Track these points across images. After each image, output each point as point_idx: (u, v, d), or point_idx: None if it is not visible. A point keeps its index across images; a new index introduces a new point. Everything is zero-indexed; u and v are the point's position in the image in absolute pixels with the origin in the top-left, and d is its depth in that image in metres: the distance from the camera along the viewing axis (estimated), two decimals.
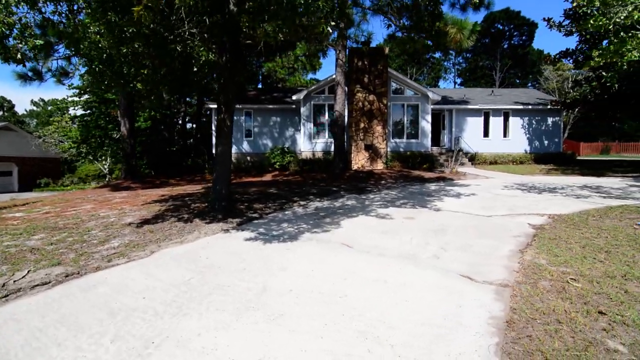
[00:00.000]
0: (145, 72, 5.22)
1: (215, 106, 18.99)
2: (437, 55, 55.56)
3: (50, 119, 32.31)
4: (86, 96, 18.35)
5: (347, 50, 14.51)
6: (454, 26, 9.61)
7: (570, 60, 16.43)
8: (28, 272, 4.08)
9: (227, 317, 3.01)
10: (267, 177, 15.75)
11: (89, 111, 18.58)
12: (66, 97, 19.70)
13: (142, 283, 3.78)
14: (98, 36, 4.86)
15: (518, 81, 47.27)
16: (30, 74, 10.29)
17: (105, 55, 4.93)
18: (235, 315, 3.03)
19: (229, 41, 6.03)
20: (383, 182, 11.83)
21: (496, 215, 6.30)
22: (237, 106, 18.90)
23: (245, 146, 19.46)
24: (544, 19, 15.87)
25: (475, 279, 3.63)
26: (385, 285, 3.58)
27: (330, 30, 4.38)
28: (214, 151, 19.32)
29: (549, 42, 71.57)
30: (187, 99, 22.97)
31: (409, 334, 2.67)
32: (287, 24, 4.23)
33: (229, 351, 2.50)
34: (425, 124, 17.28)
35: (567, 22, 15.41)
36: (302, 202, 8.03)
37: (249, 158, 19.54)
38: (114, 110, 19.40)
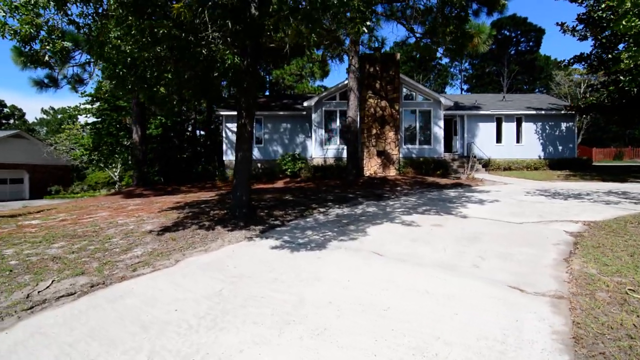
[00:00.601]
0: (169, 76, 5.12)
1: (226, 113, 19.04)
2: (444, 61, 55.69)
3: (62, 126, 32.65)
4: (97, 104, 18.47)
5: (359, 56, 14.42)
6: (472, 30, 9.49)
7: (584, 65, 16.20)
8: (52, 282, 3.93)
9: (267, 331, 2.81)
10: (279, 184, 15.59)
11: (100, 119, 18.67)
12: (79, 105, 19.82)
13: (171, 294, 3.60)
14: (119, 40, 4.77)
15: (526, 87, 46.96)
16: (46, 80, 10.29)
17: (129, 59, 4.84)
18: (276, 329, 2.84)
19: (251, 45, 5.94)
20: (399, 188, 11.61)
21: (527, 222, 6.06)
22: None
23: (256, 153, 19.35)
24: (557, 23, 15.71)
25: (525, 290, 3.41)
26: (428, 296, 3.37)
27: (366, 30, 4.24)
28: (224, 158, 19.34)
29: (557, 48, 71.15)
30: (197, 105, 23.04)
31: (469, 351, 2.45)
32: (318, 24, 4.10)
33: None
34: (438, 130, 17.08)
35: (580, 26, 15.22)
36: (321, 209, 7.84)
37: (259, 165, 19.45)
38: (125, 118, 19.50)
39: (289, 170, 17.08)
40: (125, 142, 20.00)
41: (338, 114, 17.17)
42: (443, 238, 5.24)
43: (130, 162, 22.95)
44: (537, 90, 45.97)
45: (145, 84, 5.10)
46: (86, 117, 21.60)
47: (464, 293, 3.40)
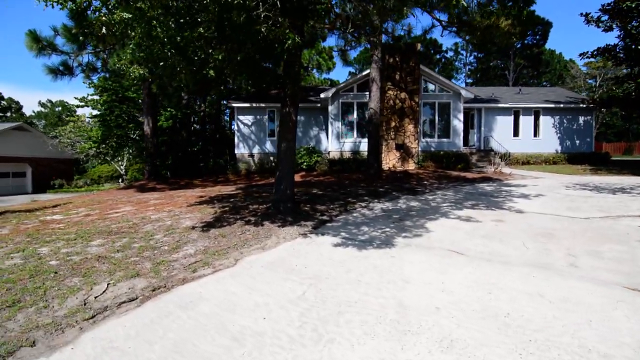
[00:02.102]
0: (219, 58, 4.66)
1: (238, 105, 18.52)
2: (449, 55, 55.14)
3: (67, 118, 31.83)
4: (105, 95, 17.81)
5: (382, 45, 13.91)
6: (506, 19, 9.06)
7: (608, 57, 15.79)
8: (108, 285, 3.51)
9: (386, 344, 2.43)
10: (296, 178, 15.16)
11: (107, 110, 18.04)
12: (86, 96, 19.11)
13: (249, 298, 3.20)
14: (162, 17, 4.31)
15: (532, 81, 46.56)
16: (61, 68, 9.78)
17: (178, 38, 4.38)
18: (395, 341, 2.46)
19: (300, 24, 5.47)
20: (426, 182, 11.23)
21: (593, 217, 5.70)
22: (261, 105, 18.42)
23: (269, 146, 18.92)
24: (581, 14, 15.26)
25: None
26: (542, 299, 3.00)
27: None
28: (236, 151, 18.85)
29: (564, 42, 70.58)
30: (209, 96, 22.47)
31: None
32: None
33: None
34: (457, 123, 16.68)
35: (605, 17, 14.79)
36: (362, 204, 7.44)
37: (272, 158, 19.01)
38: (133, 110, 18.90)
39: (305, 163, 16.65)
40: (132, 135, 19.40)
41: (355, 106, 16.71)
42: (515, 234, 4.87)
43: (135, 155, 22.38)
44: (544, 83, 45.60)
45: (193, 66, 4.64)
46: (89, 109, 20.97)
47: (579, 296, 3.04)
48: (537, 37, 46.34)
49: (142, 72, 6.69)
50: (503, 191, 8.75)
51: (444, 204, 7.24)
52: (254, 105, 18.46)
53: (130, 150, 20.91)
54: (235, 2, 4.24)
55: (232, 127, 34.35)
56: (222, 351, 2.44)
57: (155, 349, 2.51)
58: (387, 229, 5.31)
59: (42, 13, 55.74)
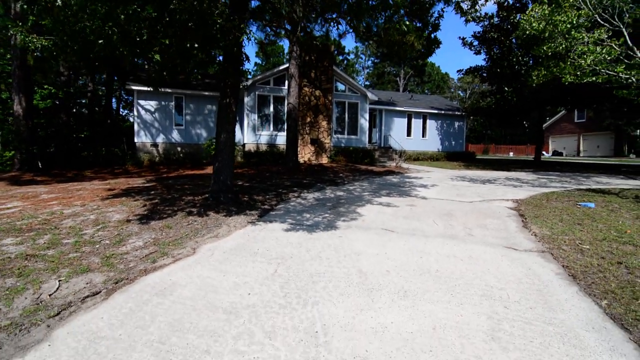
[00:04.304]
0: (166, 42, 4.48)
1: (138, 88, 16.71)
2: (351, 57, 59.27)
3: None
4: None
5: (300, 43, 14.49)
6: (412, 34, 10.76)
7: (477, 75, 19.80)
8: (60, 283, 3.20)
9: (360, 299, 3.04)
10: (210, 170, 14.66)
11: None
12: None
13: (226, 280, 3.41)
14: None
15: (417, 88, 53.98)
16: None
17: (122, 17, 4.08)
18: (365, 297, 3.09)
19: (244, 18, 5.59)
20: (342, 175, 12.37)
21: (475, 201, 7.44)
22: (167, 90, 17.04)
23: (175, 135, 17.69)
24: (459, 37, 18.78)
25: (517, 249, 4.40)
26: (456, 259, 4.05)
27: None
28: (137, 140, 17.02)
29: (441, 57, 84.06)
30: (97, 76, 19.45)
31: (521, 286, 3.17)
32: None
33: (403, 328, 2.61)
34: (364, 122, 18.55)
35: (475, 42, 18.53)
36: (293, 194, 7.93)
37: (179, 149, 17.87)
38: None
39: None
40: None
41: (272, 100, 16.96)
42: (426, 215, 6.09)
43: (3, 141, 17.81)
44: (427, 91, 53.26)
45: (136, 47, 4.36)
46: None
47: (478, 254, 4.20)
48: (423, 50, 54.02)
49: (45, 43, 5.84)
50: (407, 182, 10.40)
51: (365, 193, 8.31)
52: (159, 90, 16.92)
53: None
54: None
55: (125, 111, 30.37)
56: (222, 323, 2.67)
57: (152, 331, 2.57)
58: (327, 215, 5.97)
59: None
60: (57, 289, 3.11)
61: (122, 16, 4.12)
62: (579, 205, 6.77)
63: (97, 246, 4.13)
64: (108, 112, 22.18)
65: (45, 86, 15.97)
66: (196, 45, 4.57)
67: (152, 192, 8.02)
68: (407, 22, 7.82)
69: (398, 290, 3.21)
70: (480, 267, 3.80)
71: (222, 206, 5.94)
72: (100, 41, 4.13)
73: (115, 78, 22.04)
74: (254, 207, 6.20)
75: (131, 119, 29.32)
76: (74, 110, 21.17)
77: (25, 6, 3.50)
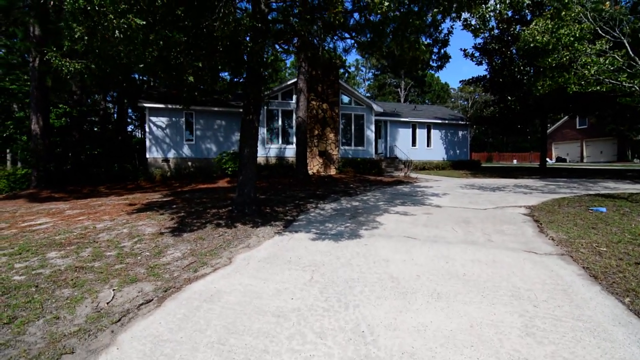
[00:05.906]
0: (200, 65, 4.81)
1: (150, 105, 17.21)
2: (351, 70, 60.21)
3: None
4: None
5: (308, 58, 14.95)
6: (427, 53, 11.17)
7: (479, 85, 20.22)
8: (113, 291, 3.43)
9: (397, 302, 3.24)
10: (222, 183, 14.98)
11: None
12: None
13: (268, 287, 3.63)
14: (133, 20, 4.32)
15: (418, 99, 54.65)
16: None
17: (161, 42, 4.41)
18: (402, 300, 3.29)
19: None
20: (352, 185, 12.61)
21: (489, 208, 7.64)
22: (177, 107, 17.49)
23: (186, 150, 18.07)
24: (461, 49, 19.23)
25: (537, 252, 4.60)
26: (481, 263, 4.24)
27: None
28: (149, 156, 17.40)
29: (445, 68, 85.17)
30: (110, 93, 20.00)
31: (545, 288, 3.36)
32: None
33: (442, 327, 2.81)
34: (370, 133, 18.89)
35: (477, 53, 19.00)
36: (311, 205, 8.17)
37: (190, 163, 18.21)
38: (13, 104, 15.70)
39: (230, 169, 16.48)
40: (13, 134, 16.01)
41: (280, 113, 17.37)
42: (444, 222, 6.30)
43: (22, 159, 18.19)
44: (427, 102, 53.88)
45: (172, 70, 4.69)
46: None
47: (502, 258, 4.39)
48: (434, 65, 54.97)
49: (78, 67, 6.20)
50: (418, 191, 10.62)
51: (380, 203, 8.54)
52: (170, 106, 17.44)
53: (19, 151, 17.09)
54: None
55: (131, 127, 30.97)
56: (274, 326, 2.88)
57: (210, 334, 2.78)
58: (348, 224, 6.19)
59: None
60: (113, 297, 3.33)
61: (161, 42, 4.45)
62: (591, 210, 6.96)
63: (139, 257, 4.37)
64: (119, 128, 22.68)
65: (60, 105, 16.47)
66: (227, 66, 4.89)
67: (174, 206, 8.28)
68: (423, 42, 8.20)
69: (431, 293, 3.41)
70: (505, 270, 4.00)
71: (247, 218, 6.19)
72: (141, 65, 4.47)
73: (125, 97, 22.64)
74: (277, 218, 6.43)
75: (139, 135, 29.90)
76: (85, 127, 21.70)
77: (86, 37, 3.80)
